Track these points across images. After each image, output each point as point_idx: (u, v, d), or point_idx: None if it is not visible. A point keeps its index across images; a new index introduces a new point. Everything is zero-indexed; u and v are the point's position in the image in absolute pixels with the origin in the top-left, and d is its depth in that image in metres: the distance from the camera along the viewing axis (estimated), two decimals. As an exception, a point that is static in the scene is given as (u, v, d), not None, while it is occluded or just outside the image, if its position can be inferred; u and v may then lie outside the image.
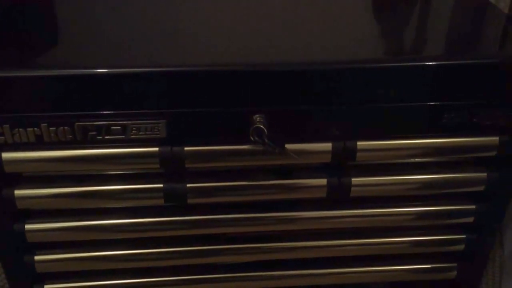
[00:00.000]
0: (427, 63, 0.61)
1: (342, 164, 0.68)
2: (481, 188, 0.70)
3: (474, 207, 0.72)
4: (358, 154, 0.65)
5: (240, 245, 0.73)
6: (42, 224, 0.68)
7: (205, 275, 0.75)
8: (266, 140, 0.58)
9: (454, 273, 0.79)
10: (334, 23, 0.72)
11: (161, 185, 0.66)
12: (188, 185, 0.66)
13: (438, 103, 0.63)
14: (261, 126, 0.59)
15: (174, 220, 0.69)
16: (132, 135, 0.61)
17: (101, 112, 0.60)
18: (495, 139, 0.66)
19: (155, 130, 0.61)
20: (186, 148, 0.63)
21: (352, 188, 0.68)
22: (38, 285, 0.73)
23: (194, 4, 0.78)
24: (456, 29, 0.72)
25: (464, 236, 0.75)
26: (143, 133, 0.61)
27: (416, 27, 0.74)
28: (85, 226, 0.69)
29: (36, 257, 0.70)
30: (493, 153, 0.67)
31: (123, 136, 0.61)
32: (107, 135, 0.61)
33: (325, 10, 0.77)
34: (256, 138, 0.59)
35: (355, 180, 0.68)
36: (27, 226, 0.67)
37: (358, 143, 0.65)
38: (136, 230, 0.70)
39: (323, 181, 0.68)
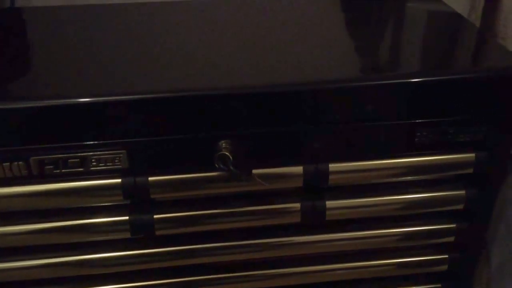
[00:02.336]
0: (398, 81, 0.60)
1: (316, 187, 0.65)
2: (460, 206, 0.67)
3: (454, 225, 0.69)
4: (331, 176, 0.63)
5: (216, 275, 0.70)
6: (6, 263, 0.65)
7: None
8: (231, 168, 0.56)
9: (440, 294, 0.76)
10: (303, 42, 0.70)
11: (126, 218, 0.63)
12: (155, 216, 0.63)
13: (411, 121, 0.61)
14: (226, 153, 0.56)
15: (143, 253, 0.66)
16: (92, 167, 0.58)
17: (57, 144, 0.57)
18: (471, 155, 0.64)
19: (116, 161, 0.58)
20: (150, 178, 0.60)
21: (327, 212, 0.65)
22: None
23: (155, 29, 0.75)
24: (427, 45, 0.70)
25: (446, 256, 0.72)
26: (104, 164, 0.58)
27: (386, 45, 0.72)
28: (49, 263, 0.65)
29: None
30: (470, 170, 0.64)
31: (82, 169, 0.58)
32: (65, 169, 0.58)
33: (294, 29, 0.75)
34: (221, 166, 0.56)
35: (329, 203, 0.65)
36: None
37: (330, 165, 0.62)
38: (104, 265, 0.66)
39: (296, 206, 0.65)
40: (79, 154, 0.57)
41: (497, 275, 0.92)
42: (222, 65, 0.64)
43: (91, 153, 0.57)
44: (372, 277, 0.73)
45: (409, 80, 0.59)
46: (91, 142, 0.57)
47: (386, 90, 0.59)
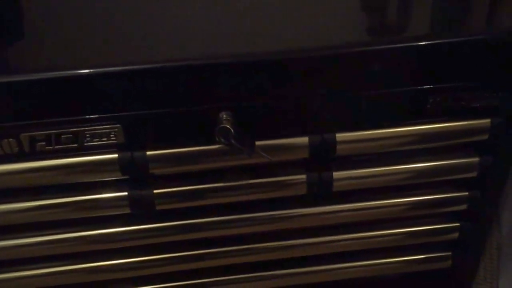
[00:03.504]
0: (407, 44, 0.56)
1: (322, 158, 0.62)
2: (473, 174, 0.64)
3: (467, 193, 0.67)
4: (338, 147, 0.60)
5: (222, 248, 0.68)
6: (2, 241, 0.63)
7: (189, 280, 0.70)
8: (232, 141, 0.53)
9: (449, 262, 0.74)
10: (303, 6, 0.65)
11: (125, 193, 0.60)
12: (155, 191, 0.61)
13: (421, 87, 0.57)
14: (227, 126, 0.53)
15: (144, 228, 0.64)
16: (86, 142, 0.55)
17: (49, 119, 0.54)
18: (486, 121, 0.60)
19: (111, 135, 0.55)
20: (148, 153, 0.57)
21: (334, 183, 0.63)
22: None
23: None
24: (436, 7, 0.65)
25: (458, 224, 0.70)
26: (98, 139, 0.55)
27: (392, 5, 0.67)
28: (49, 240, 0.63)
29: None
30: (484, 137, 0.61)
31: (76, 145, 0.55)
32: (58, 145, 0.55)
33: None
34: (222, 139, 0.53)
35: (336, 174, 0.62)
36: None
37: (337, 135, 0.59)
38: (107, 240, 0.64)
39: (302, 177, 0.62)
40: (72, 130, 0.54)
41: (508, 240, 0.90)
42: (219, 33, 0.60)
43: (84, 128, 0.54)
44: (383, 247, 0.71)
45: (419, 44, 0.55)
46: (84, 117, 0.54)
47: (394, 55, 0.55)
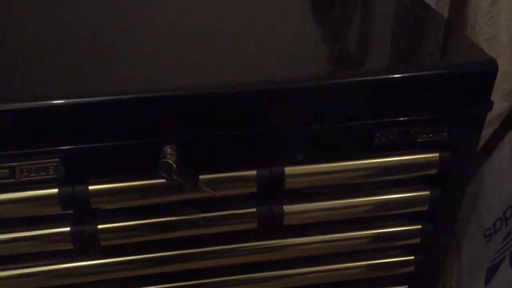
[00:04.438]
0: (354, 79, 0.55)
1: (272, 192, 0.61)
2: (425, 207, 0.64)
3: (419, 227, 0.66)
4: (287, 180, 0.59)
5: (167, 284, 0.65)
6: None
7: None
8: (174, 177, 0.51)
9: (406, 297, 0.73)
10: (254, 36, 0.65)
11: (67, 229, 0.58)
12: (99, 226, 0.59)
13: (369, 120, 0.57)
14: (169, 161, 0.52)
15: (89, 265, 0.62)
16: (23, 177, 0.53)
17: (-18, 154, 0.52)
18: (435, 155, 0.60)
19: (50, 170, 0.53)
20: (90, 187, 0.56)
21: (285, 217, 0.61)
22: None
23: (89, 24, 0.68)
24: (388, 39, 0.65)
25: (412, 258, 0.69)
26: (36, 174, 0.53)
27: (343, 39, 0.67)
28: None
29: None
30: (433, 171, 0.61)
31: (13, 180, 0.53)
32: (-7, 180, 0.53)
33: (244, 23, 0.69)
34: (164, 175, 0.52)
35: (287, 207, 0.61)
36: None
37: (286, 168, 0.58)
38: (48, 276, 0.62)
39: (252, 211, 0.61)
40: (7, 164, 0.52)
41: (468, 270, 0.89)
42: (164, 64, 0.59)
43: (20, 163, 0.52)
44: (337, 281, 0.70)
45: (365, 78, 0.55)
46: (20, 151, 0.52)
47: (341, 89, 0.55)
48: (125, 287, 0.65)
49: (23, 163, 0.53)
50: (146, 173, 0.56)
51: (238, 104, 0.54)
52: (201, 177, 0.56)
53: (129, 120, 0.53)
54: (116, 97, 0.52)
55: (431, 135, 0.58)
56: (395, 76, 0.56)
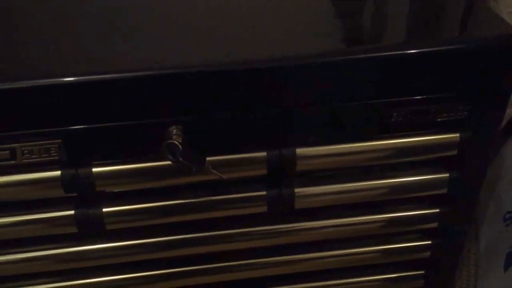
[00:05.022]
0: (371, 55, 0.52)
1: (282, 174, 0.58)
2: (443, 190, 0.61)
3: (437, 210, 0.63)
4: (298, 162, 0.56)
5: (173, 269, 0.64)
6: None
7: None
8: (179, 159, 0.49)
9: (422, 281, 0.71)
10: (263, 13, 0.62)
11: (72, 212, 0.56)
12: (104, 209, 0.57)
13: (386, 99, 0.54)
14: (174, 142, 0.49)
15: (95, 249, 0.60)
16: (24, 159, 0.51)
17: (-18, 134, 0.50)
18: (455, 136, 0.57)
19: (52, 151, 0.51)
20: (94, 170, 0.54)
21: (296, 200, 0.59)
22: None
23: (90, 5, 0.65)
24: (405, 16, 0.62)
25: (429, 242, 0.67)
26: (37, 156, 0.51)
27: (357, 14, 0.64)
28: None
29: None
30: (453, 152, 0.58)
31: (14, 162, 0.51)
32: (-6, 162, 0.51)
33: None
34: (169, 156, 0.49)
35: (298, 190, 0.59)
36: None
37: (297, 150, 0.56)
38: (54, 261, 0.61)
39: (262, 194, 0.59)
40: (7, 146, 0.50)
41: (486, 255, 0.87)
42: (170, 42, 0.56)
43: (21, 144, 0.50)
44: (350, 266, 0.68)
45: (383, 54, 0.52)
46: (21, 132, 0.50)
47: (357, 65, 0.52)
48: (131, 272, 0.63)
49: (24, 144, 0.51)
50: (151, 155, 0.54)
51: (246, 83, 0.52)
52: (208, 159, 0.54)
53: (134, 99, 0.51)
54: (120, 75, 0.50)
55: (451, 114, 0.55)
56: (413, 51, 0.52)
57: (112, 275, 0.64)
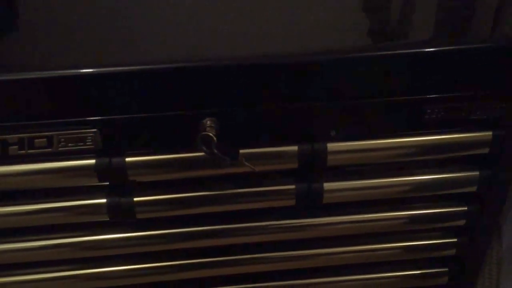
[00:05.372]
0: (405, 51, 0.52)
1: (312, 168, 0.59)
2: (473, 188, 0.61)
3: (465, 208, 0.63)
4: (329, 157, 0.57)
5: (201, 259, 0.64)
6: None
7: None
8: (214, 150, 0.49)
9: (446, 278, 0.70)
10: (299, 9, 0.62)
11: (104, 200, 0.57)
12: (135, 198, 0.57)
13: (419, 96, 0.54)
14: (209, 134, 0.50)
15: (126, 237, 0.61)
16: (61, 147, 0.52)
17: (22, 122, 0.51)
18: (487, 134, 0.57)
19: (87, 140, 0.52)
20: (127, 159, 0.54)
21: (325, 194, 0.59)
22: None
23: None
24: (438, 13, 0.61)
25: (455, 240, 0.67)
26: (74, 144, 0.52)
27: (391, 9, 0.63)
28: (25, 247, 0.60)
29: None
30: (485, 150, 0.58)
31: (50, 149, 0.52)
32: (31, 149, 0.52)
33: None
34: (204, 148, 0.50)
35: (327, 185, 0.59)
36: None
37: (329, 144, 0.56)
38: (84, 248, 0.61)
39: (291, 188, 0.59)
40: (46, 133, 0.51)
41: (509, 253, 0.86)
42: (206, 34, 0.56)
43: (59, 132, 0.51)
44: (376, 261, 0.68)
45: (417, 50, 0.52)
46: (59, 120, 0.51)
47: (391, 62, 0.52)
48: (160, 262, 0.64)
49: (60, 132, 0.51)
50: (184, 146, 0.54)
51: (280, 77, 0.52)
52: (240, 151, 0.54)
53: (170, 91, 0.51)
54: (156, 66, 0.50)
55: (485, 112, 0.54)
56: (447, 48, 0.52)
57: (137, 264, 0.64)
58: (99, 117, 0.51)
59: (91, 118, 0.51)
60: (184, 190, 0.59)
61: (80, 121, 0.51)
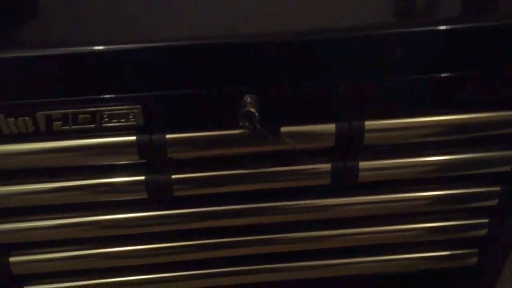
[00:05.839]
0: (443, 27, 0.52)
1: (348, 147, 0.59)
2: (507, 168, 0.61)
3: (499, 188, 0.63)
4: (366, 135, 0.57)
5: (237, 238, 0.65)
6: (17, 223, 0.61)
7: (199, 270, 0.68)
8: (257, 126, 0.50)
9: (475, 259, 0.71)
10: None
11: (142, 178, 0.58)
12: (173, 176, 0.58)
13: (456, 73, 0.54)
14: (251, 110, 0.50)
15: (163, 215, 0.62)
16: (104, 123, 0.53)
17: (66, 98, 0.51)
18: (524, 113, 0.57)
19: (130, 117, 0.53)
20: (167, 136, 0.55)
21: (360, 173, 0.60)
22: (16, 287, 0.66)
23: None
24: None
25: (487, 220, 0.67)
26: (117, 121, 0.53)
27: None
28: (63, 224, 0.61)
29: (11, 259, 0.63)
30: (522, 129, 0.58)
31: (93, 125, 0.53)
32: (75, 125, 0.53)
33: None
34: (246, 124, 0.50)
35: (363, 164, 0.59)
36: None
37: (366, 123, 0.56)
38: (121, 226, 0.62)
39: (327, 166, 0.59)
40: (90, 109, 0.52)
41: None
42: (247, 11, 0.57)
43: (103, 108, 0.52)
44: (406, 241, 0.68)
45: (454, 26, 0.51)
46: (103, 96, 0.52)
47: (426, 38, 0.52)
48: (194, 240, 0.64)
49: (104, 108, 0.52)
50: (224, 123, 0.55)
51: (318, 54, 0.52)
52: (279, 129, 0.55)
53: (211, 67, 0.52)
54: (199, 42, 0.51)
55: (524, 90, 0.55)
56: (484, 24, 0.52)
57: (170, 242, 0.65)
58: (142, 93, 0.52)
59: (135, 94, 0.52)
60: (221, 168, 0.59)
61: (123, 97, 0.52)
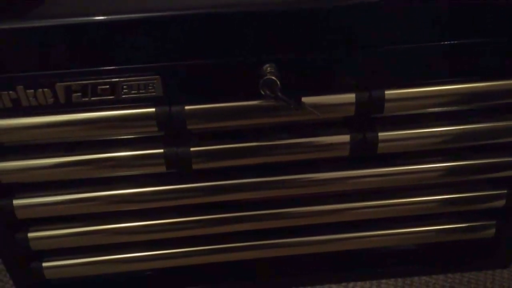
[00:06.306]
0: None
1: (367, 118, 0.59)
2: (527, 138, 0.61)
3: (519, 158, 0.63)
4: (387, 104, 0.56)
5: (254, 212, 0.65)
6: (34, 198, 0.61)
7: (217, 245, 0.68)
8: (279, 94, 0.50)
9: (493, 231, 0.71)
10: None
11: (161, 150, 0.58)
12: (192, 148, 0.58)
13: (474, 40, 0.53)
14: (273, 78, 0.50)
15: (180, 188, 0.62)
16: (123, 94, 0.52)
17: (85, 69, 0.51)
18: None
19: (150, 87, 0.52)
20: (187, 107, 0.55)
21: (379, 144, 0.59)
22: (36, 262, 0.66)
23: None
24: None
25: (505, 191, 0.66)
26: (136, 92, 0.52)
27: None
28: (81, 198, 0.61)
29: (30, 234, 0.63)
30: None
31: (113, 97, 0.53)
32: (94, 96, 0.52)
33: None
34: (268, 92, 0.50)
35: (382, 134, 0.59)
36: (17, 202, 0.60)
37: (386, 92, 0.56)
38: (138, 200, 0.62)
39: (345, 138, 0.59)
40: (109, 80, 0.51)
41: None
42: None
43: (122, 79, 0.51)
44: (423, 214, 0.68)
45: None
46: (122, 67, 0.51)
47: (450, 4, 0.51)
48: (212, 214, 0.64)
49: (124, 79, 0.52)
50: (243, 93, 0.54)
51: (338, 22, 0.52)
52: (299, 98, 0.54)
53: (230, 37, 0.51)
54: (218, 11, 0.50)
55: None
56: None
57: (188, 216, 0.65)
58: (162, 63, 0.51)
59: (154, 65, 0.51)
60: (239, 141, 0.59)
61: (143, 67, 0.51)
